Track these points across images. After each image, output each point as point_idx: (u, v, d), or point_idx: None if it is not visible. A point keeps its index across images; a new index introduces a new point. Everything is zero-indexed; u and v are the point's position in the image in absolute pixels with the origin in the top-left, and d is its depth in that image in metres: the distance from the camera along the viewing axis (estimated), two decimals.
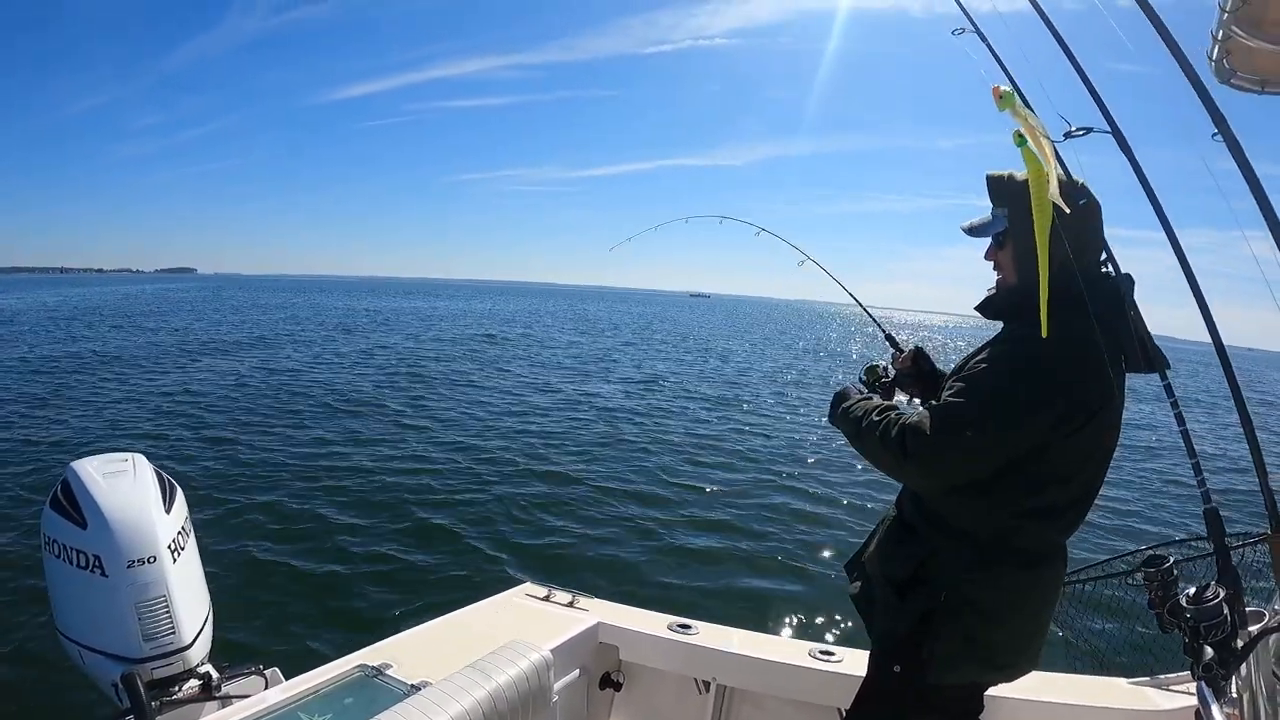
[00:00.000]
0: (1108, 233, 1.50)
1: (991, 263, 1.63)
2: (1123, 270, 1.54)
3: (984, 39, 1.62)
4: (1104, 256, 1.54)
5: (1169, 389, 1.45)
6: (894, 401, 1.73)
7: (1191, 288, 1.33)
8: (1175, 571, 1.41)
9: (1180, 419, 1.44)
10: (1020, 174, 1.48)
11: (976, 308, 1.64)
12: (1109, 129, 1.35)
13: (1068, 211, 1.19)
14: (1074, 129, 1.30)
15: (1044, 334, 1.24)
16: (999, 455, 1.42)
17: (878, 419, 1.55)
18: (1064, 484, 1.47)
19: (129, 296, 54.70)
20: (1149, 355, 1.48)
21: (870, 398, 1.73)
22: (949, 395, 1.47)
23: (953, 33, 1.64)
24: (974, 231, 1.61)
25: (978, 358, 1.52)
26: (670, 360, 23.82)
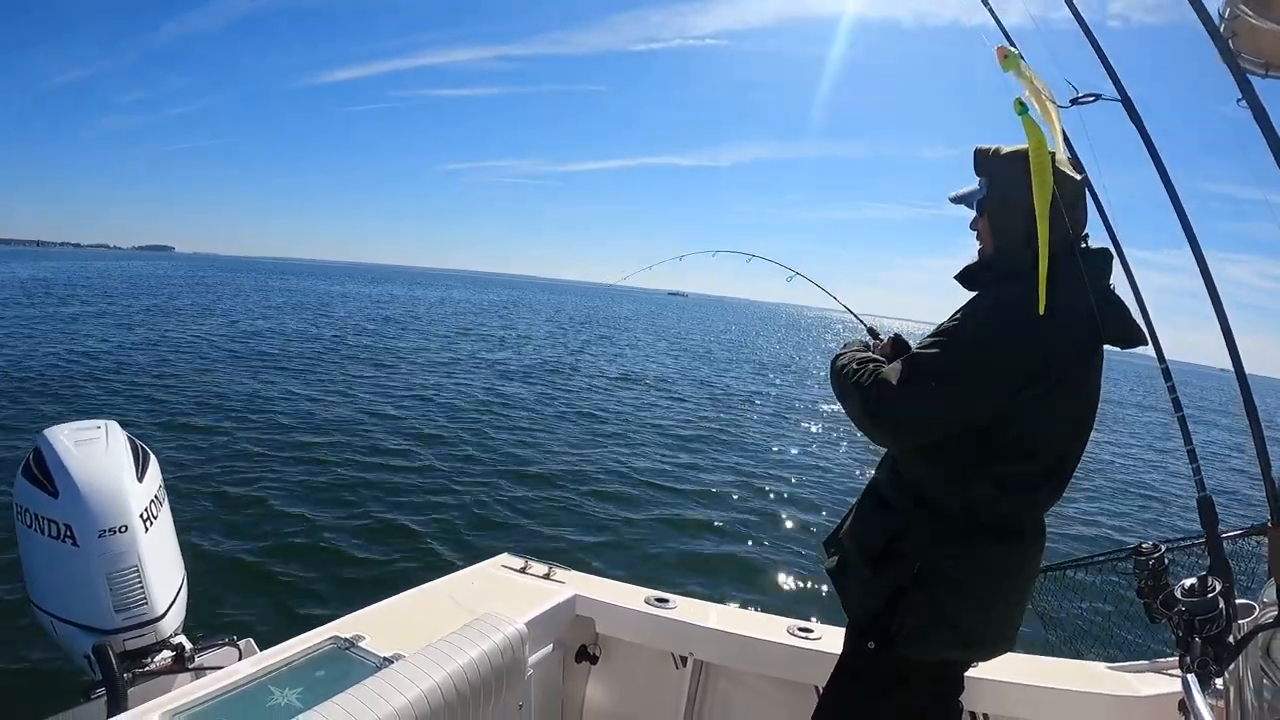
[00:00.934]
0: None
1: (975, 233, 1.64)
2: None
3: (985, 2, 1.58)
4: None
5: (1167, 372, 1.41)
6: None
7: (1201, 269, 1.28)
8: (1165, 562, 1.38)
9: (1177, 404, 1.40)
10: (1006, 148, 1.51)
11: (956, 277, 1.64)
12: (1118, 97, 1.30)
13: (1077, 179, 1.16)
14: (1081, 95, 1.25)
15: (1041, 309, 1.21)
16: (958, 411, 1.43)
17: (857, 368, 1.58)
18: (1032, 455, 1.46)
19: (104, 273, 54.25)
20: (1126, 331, 1.46)
21: (866, 350, 1.75)
22: (918, 348, 1.51)
23: None
24: (959, 200, 1.64)
25: (950, 319, 1.52)
26: (648, 354, 23.96)
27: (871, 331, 2.13)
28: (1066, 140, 1.32)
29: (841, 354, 1.73)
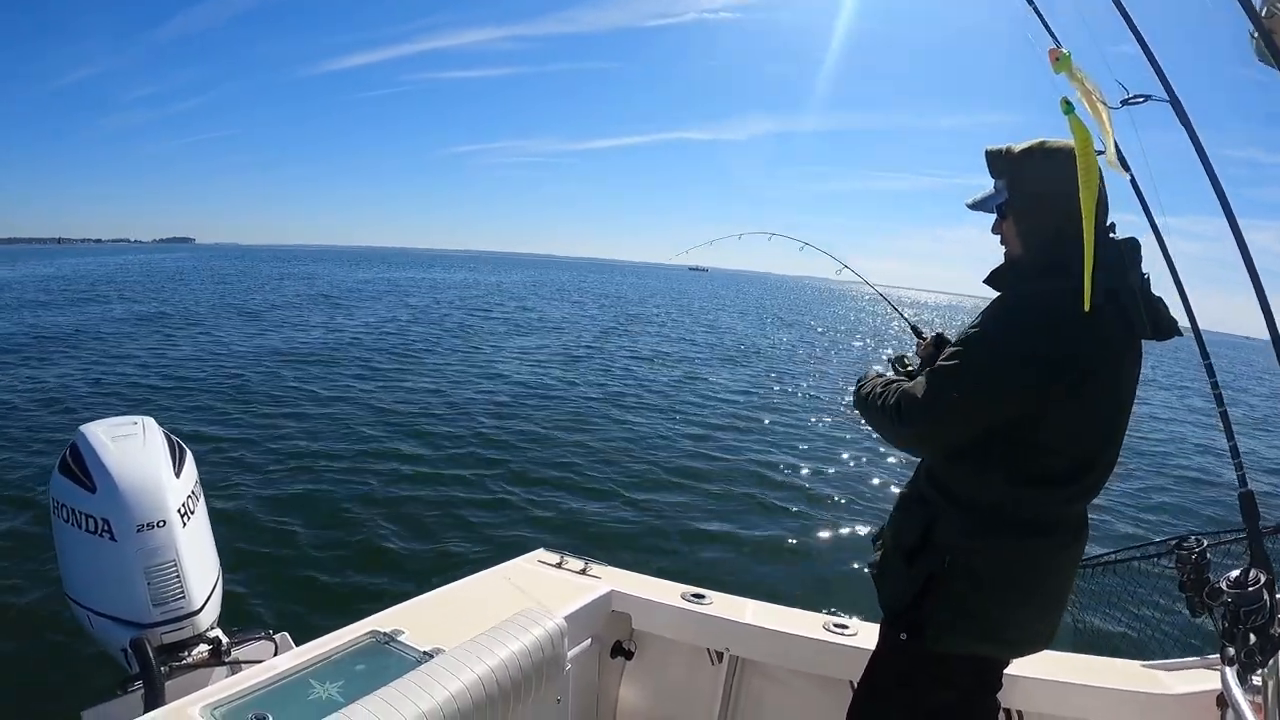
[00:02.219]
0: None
1: (998, 236, 1.64)
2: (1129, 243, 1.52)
3: (1030, 1, 1.58)
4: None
5: (1210, 369, 1.42)
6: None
7: (1246, 265, 1.29)
8: (1209, 555, 1.39)
9: (1220, 399, 1.41)
10: (1018, 146, 1.53)
11: (985, 281, 1.64)
12: (1167, 98, 1.31)
13: (1127, 176, 1.17)
14: (1132, 96, 1.26)
15: (1086, 306, 1.22)
16: (984, 414, 1.45)
17: (881, 391, 1.62)
18: (1059, 452, 1.47)
19: (127, 267, 54.33)
20: (1160, 322, 1.47)
21: (884, 375, 1.78)
22: (940, 360, 1.52)
23: None
24: (977, 206, 1.65)
25: (973, 324, 1.54)
26: (677, 335, 23.71)
27: (915, 330, 2.14)
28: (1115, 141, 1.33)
29: (863, 383, 1.76)
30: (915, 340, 2.05)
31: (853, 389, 1.82)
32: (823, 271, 2.96)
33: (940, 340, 1.93)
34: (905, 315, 2.30)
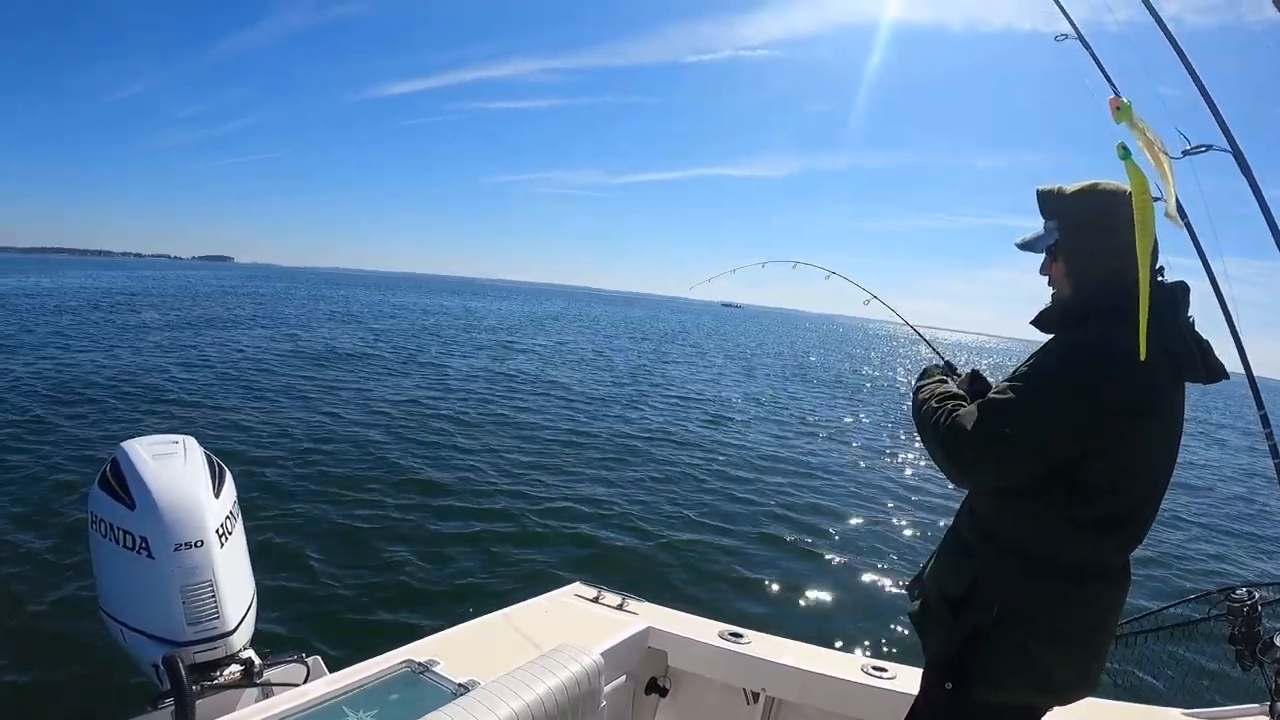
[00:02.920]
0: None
1: (1046, 277, 1.62)
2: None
3: (1087, 46, 1.57)
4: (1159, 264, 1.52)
5: (1265, 419, 1.39)
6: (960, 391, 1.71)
7: None
8: (1260, 608, 1.36)
9: (1275, 450, 1.38)
10: (1070, 187, 1.51)
11: (1032, 322, 1.62)
12: (1229, 149, 1.30)
13: (1181, 227, 1.16)
14: (1193, 146, 1.25)
15: (1142, 355, 1.21)
16: (1035, 455, 1.41)
17: (936, 406, 1.57)
18: (1111, 495, 1.44)
19: (166, 283, 55.07)
20: (1208, 365, 1.45)
21: (946, 381, 1.74)
22: (993, 392, 1.49)
23: (1055, 39, 1.60)
24: (1026, 246, 1.63)
25: (1026, 362, 1.52)
26: (711, 374, 23.41)
27: (949, 366, 2.12)
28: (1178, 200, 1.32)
29: (923, 385, 1.72)
30: (951, 377, 2.03)
31: (913, 383, 1.79)
32: (853, 310, 2.94)
33: (976, 376, 1.91)
34: (940, 354, 2.28)
